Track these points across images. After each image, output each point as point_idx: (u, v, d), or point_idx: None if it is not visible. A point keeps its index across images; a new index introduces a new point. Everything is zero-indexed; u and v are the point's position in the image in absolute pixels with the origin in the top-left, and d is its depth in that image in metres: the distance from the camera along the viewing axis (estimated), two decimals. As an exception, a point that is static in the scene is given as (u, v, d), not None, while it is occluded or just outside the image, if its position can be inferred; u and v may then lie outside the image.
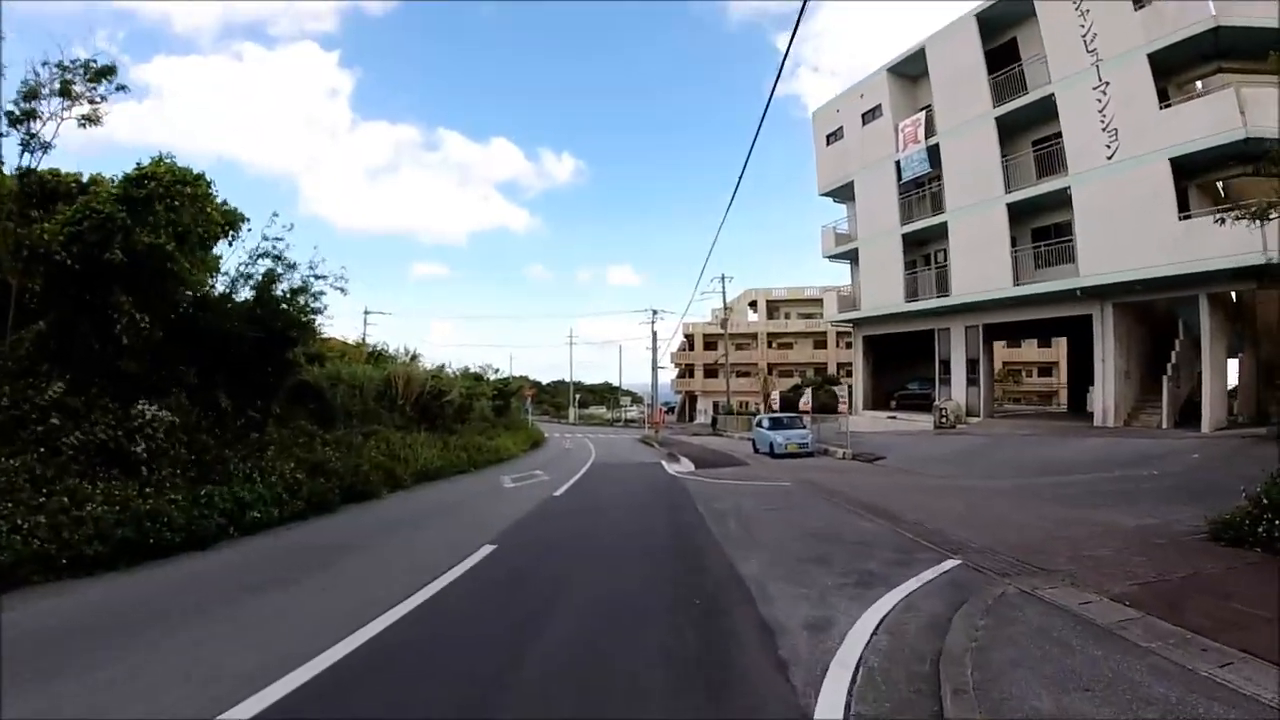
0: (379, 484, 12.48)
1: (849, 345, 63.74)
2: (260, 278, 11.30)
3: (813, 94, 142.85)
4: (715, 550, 6.96)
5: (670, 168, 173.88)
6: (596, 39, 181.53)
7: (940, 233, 24.22)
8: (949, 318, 24.02)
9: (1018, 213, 22.12)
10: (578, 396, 78.62)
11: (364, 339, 45.95)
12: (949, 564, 6.58)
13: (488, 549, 7.12)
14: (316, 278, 11.99)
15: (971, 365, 23.44)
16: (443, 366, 30.09)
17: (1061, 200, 20.89)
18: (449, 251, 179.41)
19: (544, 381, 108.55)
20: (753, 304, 66.66)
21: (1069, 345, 30.91)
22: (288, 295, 11.61)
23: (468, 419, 24.98)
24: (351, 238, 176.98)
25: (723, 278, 45.65)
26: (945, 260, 24.49)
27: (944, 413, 22.66)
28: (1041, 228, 22.52)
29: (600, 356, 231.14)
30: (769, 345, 62.32)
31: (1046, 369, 61.18)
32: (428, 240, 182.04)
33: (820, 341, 62.70)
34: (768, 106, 14.81)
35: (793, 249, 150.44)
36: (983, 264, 22.06)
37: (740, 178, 37.19)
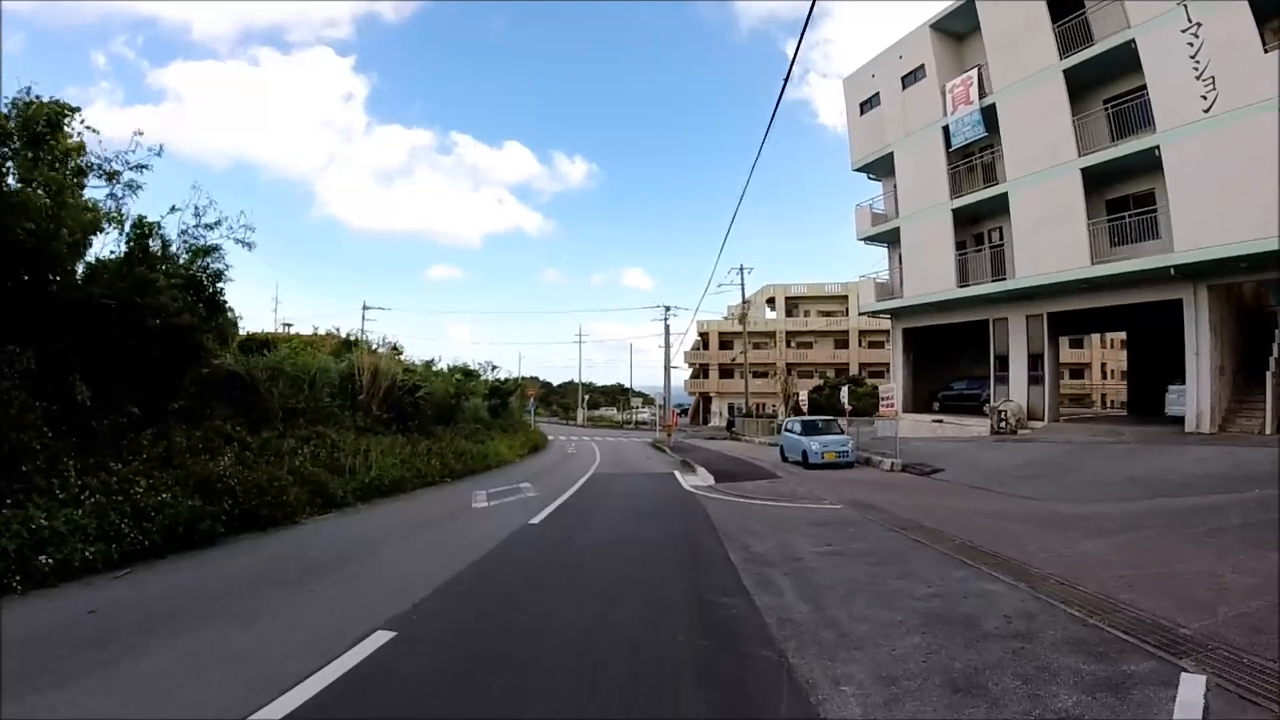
0: (300, 503, 9.55)
1: (872, 345, 60.69)
2: (130, 230, 8.38)
3: (823, 99, 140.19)
4: (773, 659, 3.88)
5: (682, 171, 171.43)
6: (606, 43, 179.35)
7: (996, 207, 20.97)
8: (1007, 306, 20.74)
9: (1090, 182, 18.85)
10: (587, 398, 75.77)
11: (361, 334, 43.42)
12: (1191, 685, 3.59)
13: (376, 642, 4.13)
14: (205, 228, 9.06)
15: (1034, 361, 20.14)
16: (431, 362, 27.39)
17: (1146, 164, 17.62)
18: (464, 254, 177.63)
19: (555, 383, 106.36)
20: (770, 301, 63.36)
21: (1130, 341, 27.58)
22: (169, 253, 8.70)
23: (454, 420, 22.07)
24: (367, 239, 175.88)
25: (740, 269, 42.38)
26: (1002, 239, 21.25)
27: (1003, 415, 19.40)
28: (1117, 199, 19.24)
29: (613, 358, 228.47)
30: (788, 344, 59.01)
31: (1078, 371, 57.54)
32: (444, 242, 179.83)
33: (842, 341, 59.43)
34: (775, 113, 13.98)
35: (812, 244, 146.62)
36: (1051, 241, 18.80)
37: (746, 185, 34.81)
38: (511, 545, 7.56)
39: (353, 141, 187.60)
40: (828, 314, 60.70)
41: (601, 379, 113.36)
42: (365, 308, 48.66)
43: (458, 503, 11.44)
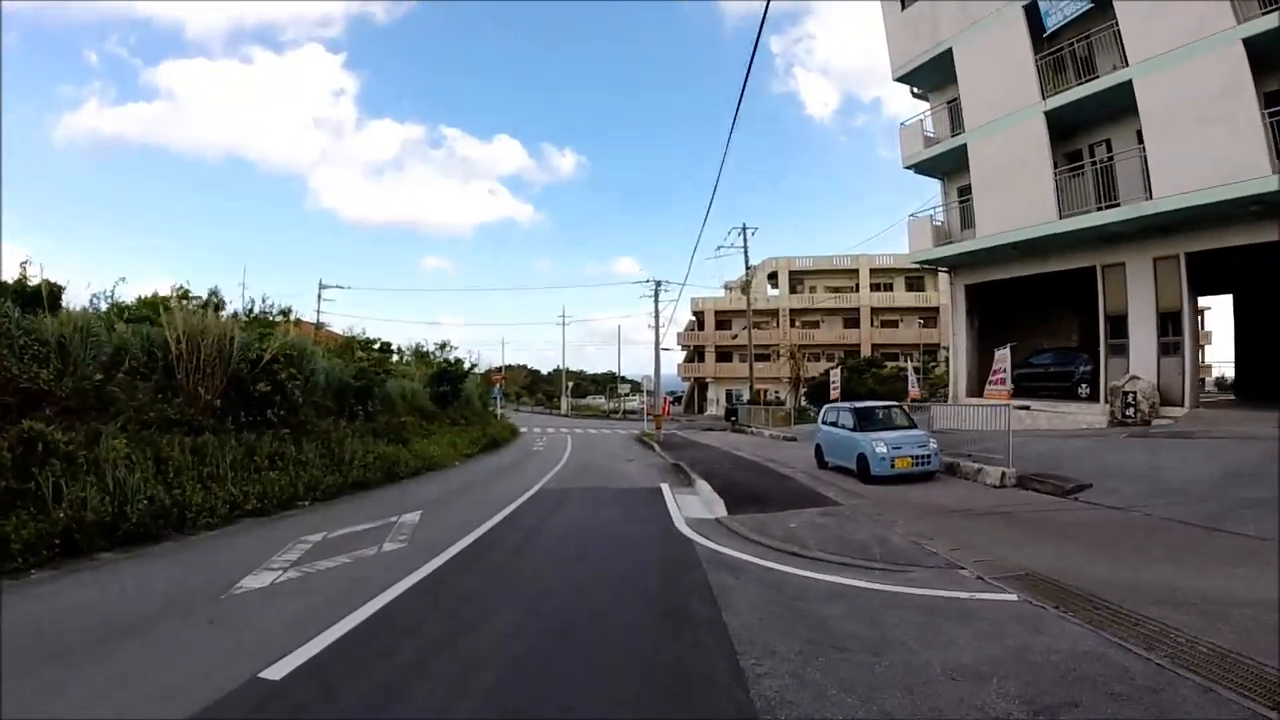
0: None
1: (885, 324, 54.89)
2: None
3: (808, 93, 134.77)
4: None
5: (672, 162, 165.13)
6: (593, 41, 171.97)
7: (1106, 109, 15.07)
8: (1125, 246, 14.87)
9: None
10: (572, 385, 69.99)
11: (317, 314, 37.24)
12: None
13: None
14: None
15: (1165, 323, 14.41)
16: (353, 338, 21.56)
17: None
18: (456, 244, 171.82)
19: (544, 371, 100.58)
20: (773, 277, 57.39)
21: (1238, 305, 21.87)
22: None
23: (365, 412, 16.29)
24: (360, 230, 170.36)
25: (743, 229, 36.40)
26: (1111, 154, 15.40)
27: (1131, 400, 13.67)
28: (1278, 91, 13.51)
29: (605, 348, 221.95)
30: (792, 324, 53.14)
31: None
32: (436, 234, 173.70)
33: (851, 320, 53.64)
34: (744, 85, 12.16)
35: (806, 238, 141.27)
36: (1201, 145, 13.02)
37: (723, 158, 29.01)
38: None
39: (344, 136, 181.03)
40: (836, 290, 54.76)
41: (595, 367, 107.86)
42: (322, 286, 42.74)
43: (194, 585, 5.56)
